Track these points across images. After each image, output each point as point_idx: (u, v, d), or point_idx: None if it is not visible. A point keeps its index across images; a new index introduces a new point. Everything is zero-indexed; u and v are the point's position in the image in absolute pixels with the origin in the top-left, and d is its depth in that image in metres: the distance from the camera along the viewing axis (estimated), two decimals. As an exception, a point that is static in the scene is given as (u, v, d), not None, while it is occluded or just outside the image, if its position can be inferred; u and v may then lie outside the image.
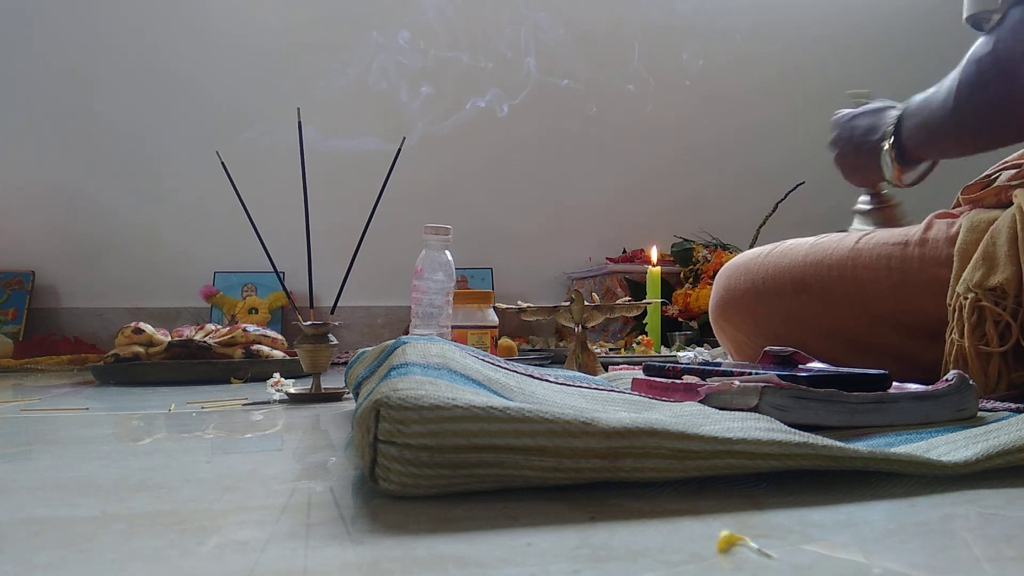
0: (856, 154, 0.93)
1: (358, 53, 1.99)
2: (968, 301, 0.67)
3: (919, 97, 0.85)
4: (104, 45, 1.99)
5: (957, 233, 0.73)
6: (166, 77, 2.02)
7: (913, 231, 0.78)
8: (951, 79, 0.78)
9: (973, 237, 0.70)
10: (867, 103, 0.96)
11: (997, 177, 0.75)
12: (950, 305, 0.70)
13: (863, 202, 1.00)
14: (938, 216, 0.79)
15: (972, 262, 0.68)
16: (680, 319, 1.81)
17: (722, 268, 0.99)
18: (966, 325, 0.67)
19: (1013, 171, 0.74)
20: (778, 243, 0.93)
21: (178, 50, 2.03)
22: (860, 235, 0.83)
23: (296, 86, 2.00)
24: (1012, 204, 0.69)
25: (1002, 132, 0.76)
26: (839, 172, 0.98)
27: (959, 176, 0.87)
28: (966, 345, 0.67)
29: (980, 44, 0.75)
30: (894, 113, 0.88)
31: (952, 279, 0.70)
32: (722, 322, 0.97)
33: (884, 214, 0.97)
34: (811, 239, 0.89)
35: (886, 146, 0.87)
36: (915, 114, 0.85)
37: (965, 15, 0.81)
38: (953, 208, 0.81)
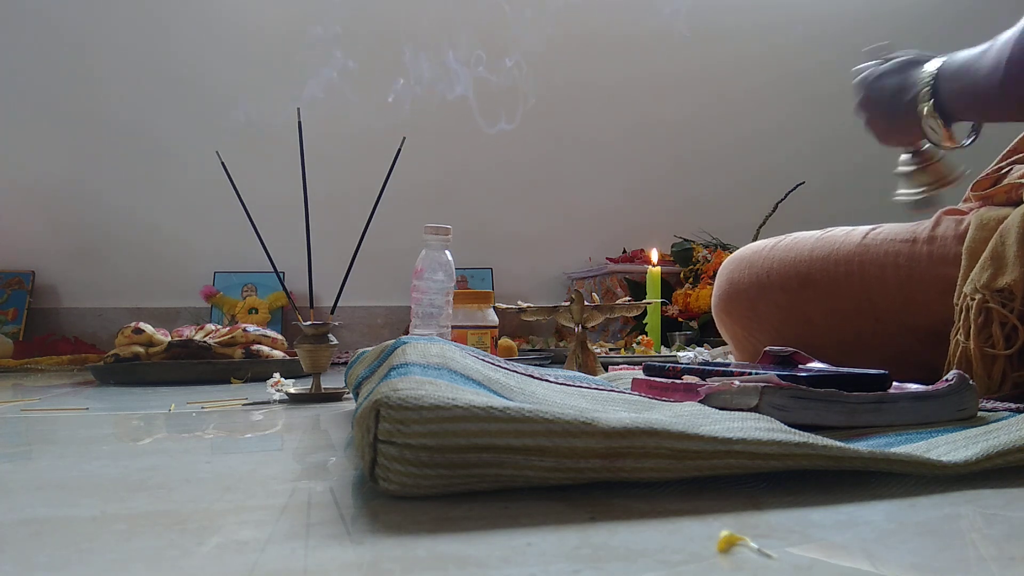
0: (889, 116, 0.85)
1: (360, 48, 1.99)
2: (975, 302, 0.66)
3: (960, 57, 0.77)
4: (105, 44, 1.99)
5: (966, 231, 0.72)
6: (167, 76, 2.02)
7: (922, 228, 0.78)
8: (1003, 43, 0.71)
9: (982, 235, 0.69)
10: (890, 55, 0.87)
11: (1007, 172, 0.75)
12: (957, 305, 0.69)
13: (904, 163, 0.90)
14: (947, 212, 0.78)
15: (980, 262, 0.68)
16: (680, 319, 1.81)
17: (725, 261, 0.98)
18: (972, 326, 0.66)
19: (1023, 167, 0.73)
20: (782, 236, 0.92)
21: (178, 52, 2.03)
22: (868, 230, 0.82)
23: (298, 85, 2.00)
24: (1023, 202, 0.69)
25: None
26: (873, 136, 0.89)
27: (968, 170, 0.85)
28: (971, 347, 0.66)
29: None
30: (927, 71, 0.79)
31: (960, 278, 0.70)
32: (724, 316, 0.96)
33: (931, 171, 0.87)
34: (816, 233, 0.88)
35: (926, 110, 0.78)
36: (956, 77, 0.77)
37: None
38: (962, 203, 0.80)
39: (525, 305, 1.04)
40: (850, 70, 0.90)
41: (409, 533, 0.32)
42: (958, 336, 0.68)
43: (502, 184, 2.23)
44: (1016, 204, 0.70)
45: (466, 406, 0.37)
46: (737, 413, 0.46)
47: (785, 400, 0.49)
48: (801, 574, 0.27)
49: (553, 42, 2.09)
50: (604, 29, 2.29)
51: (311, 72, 2.02)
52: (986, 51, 0.73)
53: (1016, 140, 0.78)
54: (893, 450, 0.42)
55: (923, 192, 0.87)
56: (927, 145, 0.86)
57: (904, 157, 0.90)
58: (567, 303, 1.03)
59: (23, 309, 1.87)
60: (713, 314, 0.99)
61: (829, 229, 0.87)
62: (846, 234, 0.83)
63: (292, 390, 0.92)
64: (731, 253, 1.88)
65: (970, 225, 0.72)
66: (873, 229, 0.81)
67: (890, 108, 0.84)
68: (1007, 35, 0.71)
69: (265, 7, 2.07)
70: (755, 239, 1.98)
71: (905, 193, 0.89)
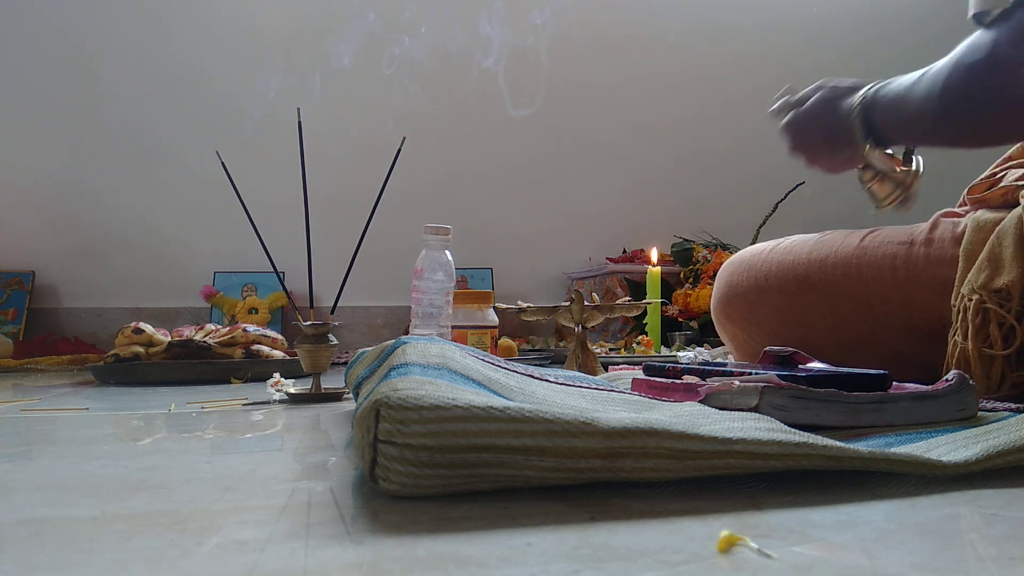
0: (832, 157, 0.84)
1: (358, 46, 1.98)
2: (973, 303, 0.66)
3: (891, 89, 0.77)
4: (105, 44, 2.00)
5: (963, 233, 0.72)
6: (166, 77, 2.02)
7: (919, 230, 0.78)
8: (935, 73, 0.72)
9: (979, 237, 0.70)
10: (804, 96, 0.87)
11: (1003, 176, 0.75)
12: (954, 306, 0.69)
13: (862, 180, 0.86)
14: (944, 215, 0.79)
15: (977, 263, 0.68)
16: (680, 319, 1.82)
17: (724, 264, 0.98)
18: (970, 327, 0.66)
19: (1020, 171, 0.74)
20: (781, 239, 0.92)
21: (177, 51, 2.03)
22: (865, 233, 0.82)
23: (298, 85, 2.00)
24: (1019, 205, 0.69)
25: (985, 139, 0.72)
26: (803, 162, 0.88)
27: (961, 174, 0.86)
28: (969, 347, 0.66)
29: (975, 44, 0.69)
30: (849, 105, 0.79)
31: (957, 280, 0.70)
32: (723, 319, 0.97)
33: (890, 180, 0.83)
34: (815, 236, 0.88)
35: (867, 149, 0.78)
36: (889, 110, 0.77)
37: (971, 12, 0.74)
38: (958, 207, 0.80)
39: (525, 305, 1.04)
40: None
41: (409, 533, 0.32)
42: (956, 337, 0.68)
43: (502, 184, 2.23)
44: (1012, 207, 0.71)
45: (466, 406, 0.37)
46: (737, 413, 0.46)
47: (785, 400, 0.49)
48: (801, 574, 0.27)
49: (553, 42, 2.09)
50: (604, 29, 2.29)
51: (310, 71, 2.02)
52: (918, 81, 0.74)
53: (1013, 148, 0.79)
54: (893, 450, 0.42)
55: (896, 196, 0.84)
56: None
57: (860, 174, 0.88)
58: (567, 303, 1.03)
59: (23, 309, 1.87)
60: (712, 317, 1.00)
61: (827, 232, 0.87)
62: (844, 237, 0.83)
63: (292, 390, 0.92)
64: (731, 253, 1.88)
65: (967, 227, 0.72)
66: (871, 232, 0.82)
67: (829, 148, 0.83)
68: (940, 64, 0.72)
69: (266, 6, 2.07)
70: (755, 239, 1.98)
71: (879, 205, 0.86)
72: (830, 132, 0.82)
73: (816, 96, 0.85)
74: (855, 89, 0.81)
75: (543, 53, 1.97)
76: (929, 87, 0.72)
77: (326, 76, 2.03)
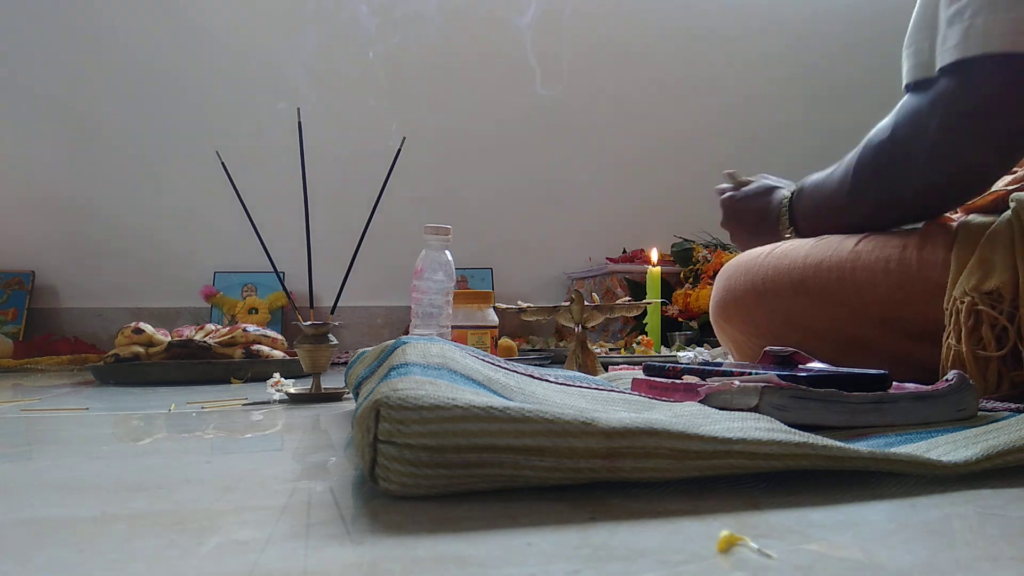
0: (752, 238, 0.98)
1: (357, 46, 1.99)
2: (965, 305, 0.67)
3: (813, 179, 0.89)
4: (105, 44, 2.00)
5: (954, 237, 0.73)
6: (165, 76, 2.03)
7: (911, 235, 0.78)
8: (848, 161, 0.81)
9: (970, 241, 0.70)
10: (746, 181, 1.02)
11: None
12: (947, 309, 0.70)
13: None
14: (936, 219, 0.79)
15: (969, 266, 0.68)
16: (680, 319, 1.81)
17: (722, 268, 0.99)
18: (963, 329, 0.67)
19: (1010, 177, 0.74)
20: (778, 244, 0.93)
21: (177, 50, 2.03)
22: (860, 237, 0.83)
23: (296, 85, 2.00)
24: (1009, 209, 0.69)
25: (891, 218, 0.80)
26: (738, 248, 1.03)
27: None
28: (963, 350, 0.66)
29: (882, 124, 0.77)
30: (782, 195, 0.92)
31: (949, 283, 0.70)
32: (722, 322, 0.97)
33: None
34: (811, 240, 0.88)
35: (788, 235, 0.91)
36: (810, 196, 0.89)
37: (904, 83, 0.80)
38: (951, 212, 0.81)
39: (525, 305, 1.04)
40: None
41: (409, 533, 0.32)
42: (949, 340, 0.69)
43: (502, 184, 2.23)
44: (1003, 211, 0.71)
45: (466, 406, 0.37)
46: (737, 413, 0.46)
47: (785, 400, 0.49)
48: (801, 574, 0.27)
49: (555, 46, 2.09)
50: (606, 31, 2.29)
51: (308, 70, 2.02)
52: (834, 171, 0.85)
53: None
54: (893, 450, 0.42)
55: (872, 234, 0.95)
56: None
57: None
58: (567, 303, 1.03)
59: (23, 309, 1.87)
60: (711, 320, 1.00)
61: (823, 236, 0.88)
62: (839, 241, 0.84)
63: (292, 390, 0.92)
64: (731, 254, 1.88)
65: (958, 231, 0.73)
66: (865, 236, 0.82)
67: (752, 232, 0.97)
68: (851, 155, 0.81)
69: (261, 9, 2.07)
70: (755, 239, 1.98)
71: None
72: (759, 217, 0.96)
73: (755, 185, 1.00)
74: (790, 185, 0.95)
75: (568, 13, 1.96)
76: (845, 168, 0.83)
77: (327, 76, 2.03)
